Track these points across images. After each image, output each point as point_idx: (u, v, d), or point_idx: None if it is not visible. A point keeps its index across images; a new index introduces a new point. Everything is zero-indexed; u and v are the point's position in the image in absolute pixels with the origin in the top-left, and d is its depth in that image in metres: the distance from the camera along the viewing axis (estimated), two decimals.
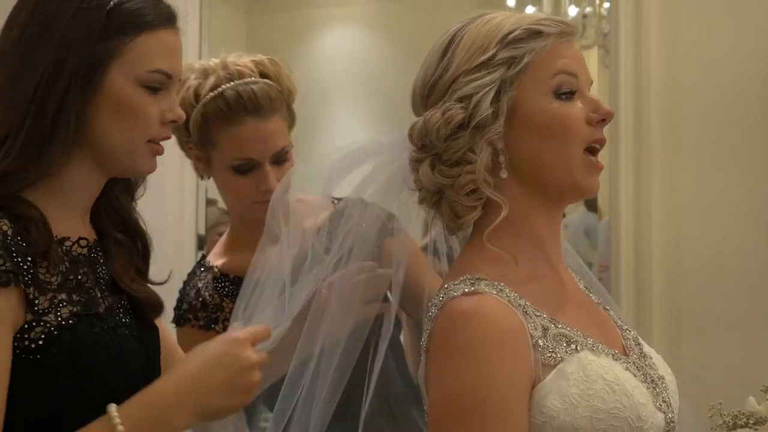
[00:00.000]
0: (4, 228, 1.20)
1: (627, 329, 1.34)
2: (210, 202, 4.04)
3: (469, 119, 1.25)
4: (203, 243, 3.29)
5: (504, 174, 1.25)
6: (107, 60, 1.27)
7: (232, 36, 7.28)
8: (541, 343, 1.16)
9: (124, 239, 1.40)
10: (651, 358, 1.30)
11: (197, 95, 1.80)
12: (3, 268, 1.18)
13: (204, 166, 1.87)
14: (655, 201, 3.00)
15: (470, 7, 6.90)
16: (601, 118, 1.26)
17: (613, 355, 1.21)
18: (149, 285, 1.43)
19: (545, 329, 1.18)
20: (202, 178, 1.92)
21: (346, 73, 7.14)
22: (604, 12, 5.49)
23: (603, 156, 1.31)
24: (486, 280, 1.20)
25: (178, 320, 1.90)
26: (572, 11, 5.67)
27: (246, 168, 1.79)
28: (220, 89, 1.79)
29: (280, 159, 1.83)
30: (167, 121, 1.32)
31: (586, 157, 1.25)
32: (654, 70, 3.03)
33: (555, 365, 1.16)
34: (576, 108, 1.25)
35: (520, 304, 1.19)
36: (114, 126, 1.28)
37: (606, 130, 1.32)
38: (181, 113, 1.34)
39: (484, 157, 1.24)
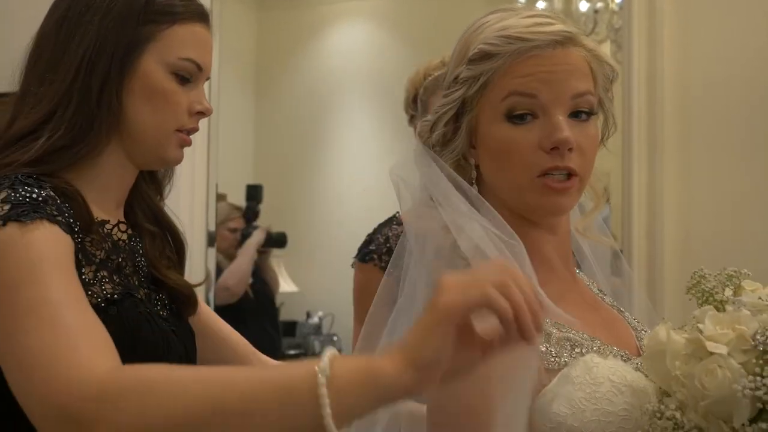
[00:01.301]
0: (52, 194, 1.22)
1: (643, 330, 1.32)
2: (220, 197, 4.05)
3: (430, 132, 1.27)
4: (213, 239, 3.29)
5: (474, 188, 1.25)
6: (143, 44, 1.32)
7: (242, 32, 7.29)
8: (543, 348, 1.15)
9: (157, 232, 1.43)
10: None
11: (425, 73, 2.10)
12: (60, 219, 1.19)
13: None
14: (668, 196, 2.99)
15: (481, 2, 6.89)
16: (551, 146, 1.18)
17: (622, 356, 1.20)
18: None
19: (548, 334, 1.17)
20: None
21: (356, 68, 7.13)
22: (615, 7, 5.47)
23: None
24: None
25: (363, 257, 2.34)
26: (583, 6, 5.65)
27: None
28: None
29: None
30: (195, 112, 1.36)
31: (539, 180, 1.19)
32: (667, 65, 3.02)
33: (559, 370, 1.15)
34: (528, 133, 1.19)
35: None
36: (146, 110, 1.32)
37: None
38: (209, 106, 1.38)
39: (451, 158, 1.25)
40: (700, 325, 1.11)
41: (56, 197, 1.22)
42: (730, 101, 2.99)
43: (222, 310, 4.00)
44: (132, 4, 1.32)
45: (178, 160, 1.39)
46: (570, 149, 1.18)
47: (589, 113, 1.22)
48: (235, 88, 6.86)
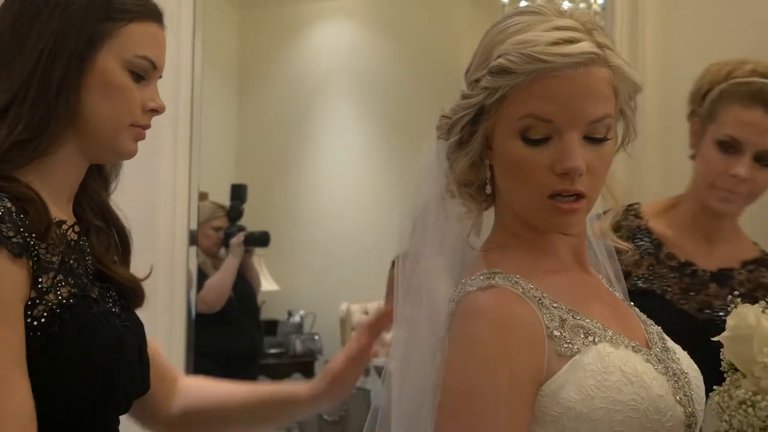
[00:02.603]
0: (8, 205, 1.24)
1: (651, 324, 1.34)
2: (202, 196, 4.04)
3: (447, 133, 1.29)
4: (195, 238, 3.28)
5: (488, 189, 1.28)
6: (101, 40, 1.34)
7: (225, 30, 7.26)
8: (557, 333, 1.17)
9: (104, 227, 1.45)
10: (675, 352, 1.30)
11: (729, 74, 2.03)
12: (15, 240, 1.22)
13: (695, 139, 2.05)
14: (650, 197, 3.00)
15: (464, 2, 6.90)
16: (562, 172, 1.19)
17: (633, 347, 1.22)
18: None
19: (563, 320, 1.19)
20: (691, 149, 2.08)
21: (339, 67, 7.12)
22: (597, 8, 5.49)
23: None
24: (502, 273, 1.21)
25: None
26: (566, 6, 5.67)
27: (730, 147, 1.93)
28: (752, 78, 1.98)
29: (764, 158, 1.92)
30: (149, 109, 1.39)
31: (549, 202, 1.21)
32: (649, 65, 3.03)
33: (571, 356, 1.16)
34: (542, 154, 1.19)
35: (535, 296, 1.19)
36: (102, 105, 1.34)
37: None
38: (162, 104, 1.42)
39: (460, 168, 1.27)
40: None
41: (12, 208, 1.24)
42: None
43: (202, 313, 4.00)
44: (92, 0, 1.34)
45: (132, 153, 1.42)
46: (580, 175, 1.19)
47: (607, 135, 1.22)
48: (217, 86, 6.84)
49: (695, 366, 1.31)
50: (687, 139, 3.05)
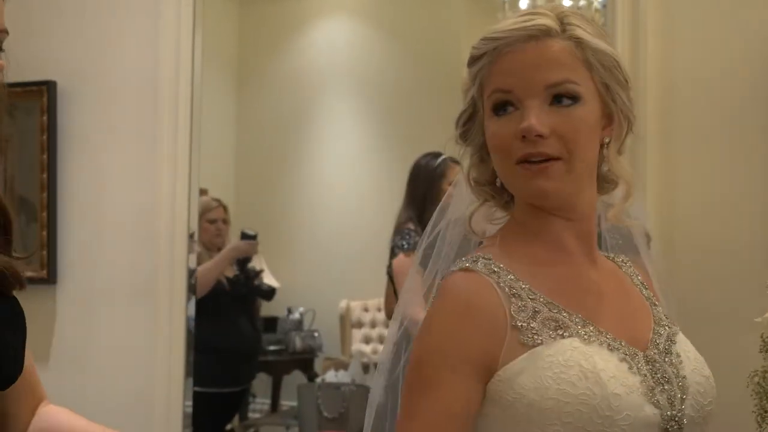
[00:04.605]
0: None
1: (667, 326, 1.35)
2: (201, 192, 4.04)
3: (455, 129, 1.37)
4: (194, 238, 3.28)
5: (498, 182, 1.34)
6: None
7: (224, 27, 7.26)
8: (523, 324, 1.22)
9: None
10: (679, 356, 1.31)
11: None
12: None
13: None
14: (650, 193, 2.99)
15: (463, 0, 6.90)
16: (521, 135, 1.24)
17: (609, 344, 1.23)
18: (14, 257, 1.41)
19: (536, 311, 1.23)
20: None
21: (338, 63, 7.12)
22: (598, 5, 5.48)
23: None
24: (487, 260, 1.28)
25: None
26: (566, 3, 5.66)
27: None
28: None
29: None
30: None
31: (517, 167, 1.26)
32: (650, 63, 3.02)
33: (533, 346, 1.21)
34: (509, 124, 1.26)
35: (511, 287, 1.25)
36: None
37: None
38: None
39: (469, 164, 1.36)
40: None
41: None
42: (713, 99, 2.99)
43: (204, 304, 3.99)
44: None
45: None
46: (540, 135, 1.23)
47: (574, 98, 1.26)
48: (216, 83, 6.84)
49: (706, 373, 1.32)
50: (688, 135, 3.05)
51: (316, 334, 6.66)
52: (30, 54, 3.16)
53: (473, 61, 1.30)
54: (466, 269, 1.27)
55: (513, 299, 1.24)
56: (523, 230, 1.32)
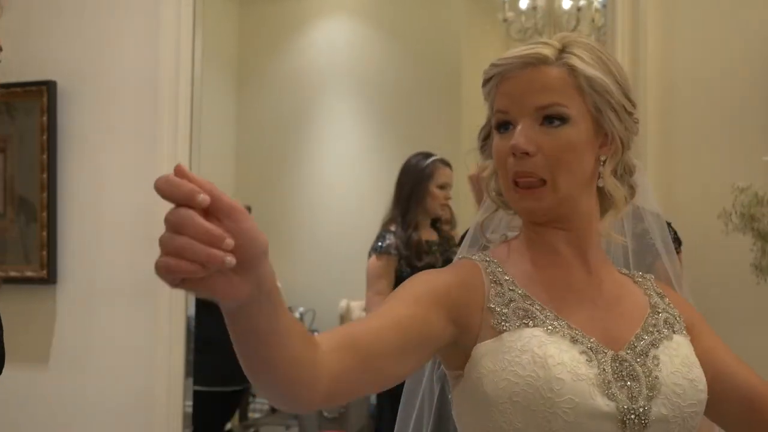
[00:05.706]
0: None
1: (655, 332, 1.40)
2: None
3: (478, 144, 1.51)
4: None
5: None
6: None
7: (224, 27, 7.26)
8: (497, 309, 1.35)
9: None
10: (657, 359, 1.36)
11: None
12: None
13: None
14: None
15: (463, 0, 6.90)
16: (511, 152, 1.38)
17: (572, 337, 1.32)
18: None
19: (511, 300, 1.36)
20: None
21: (338, 63, 7.11)
22: (598, 5, 5.48)
23: None
24: (486, 257, 1.42)
25: None
26: (566, 4, 5.66)
27: None
28: None
29: None
30: None
31: (514, 187, 1.40)
32: (650, 63, 3.02)
33: (500, 332, 1.33)
34: (506, 141, 1.40)
35: (496, 276, 1.39)
36: None
37: None
38: None
39: (486, 177, 1.49)
40: None
41: None
42: (713, 99, 2.99)
43: (205, 302, 3.99)
44: None
45: None
46: (526, 153, 1.36)
47: (562, 119, 1.37)
48: (216, 83, 6.84)
49: (692, 377, 1.36)
50: (688, 135, 3.06)
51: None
52: (30, 54, 3.17)
53: (484, 83, 1.45)
54: (464, 257, 1.45)
55: (494, 285, 1.37)
56: (524, 236, 1.45)
